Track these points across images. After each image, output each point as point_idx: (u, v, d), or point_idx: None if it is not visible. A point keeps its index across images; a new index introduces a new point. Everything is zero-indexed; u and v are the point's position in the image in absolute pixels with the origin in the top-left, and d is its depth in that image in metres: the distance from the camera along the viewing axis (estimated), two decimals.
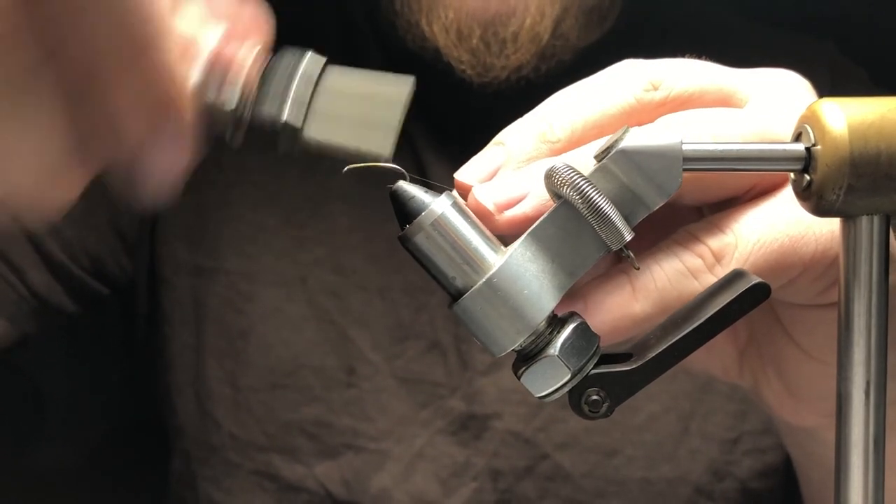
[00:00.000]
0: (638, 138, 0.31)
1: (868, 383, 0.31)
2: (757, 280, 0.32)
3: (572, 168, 0.31)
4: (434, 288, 0.32)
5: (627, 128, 0.32)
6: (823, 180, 0.30)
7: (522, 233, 0.32)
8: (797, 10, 0.79)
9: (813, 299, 0.37)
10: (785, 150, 0.31)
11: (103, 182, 0.30)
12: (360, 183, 0.65)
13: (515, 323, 0.31)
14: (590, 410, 0.32)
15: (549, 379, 0.32)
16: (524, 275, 0.31)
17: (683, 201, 0.36)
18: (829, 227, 0.35)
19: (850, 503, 0.31)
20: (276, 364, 0.66)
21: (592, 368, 0.32)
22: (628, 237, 0.31)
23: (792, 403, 0.42)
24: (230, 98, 0.28)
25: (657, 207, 0.32)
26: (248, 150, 0.69)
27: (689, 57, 0.37)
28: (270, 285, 0.66)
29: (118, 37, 0.25)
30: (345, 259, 0.66)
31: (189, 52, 0.27)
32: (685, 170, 0.31)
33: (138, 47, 0.25)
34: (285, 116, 0.28)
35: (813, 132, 0.31)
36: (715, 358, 0.43)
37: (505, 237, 0.33)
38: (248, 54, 0.28)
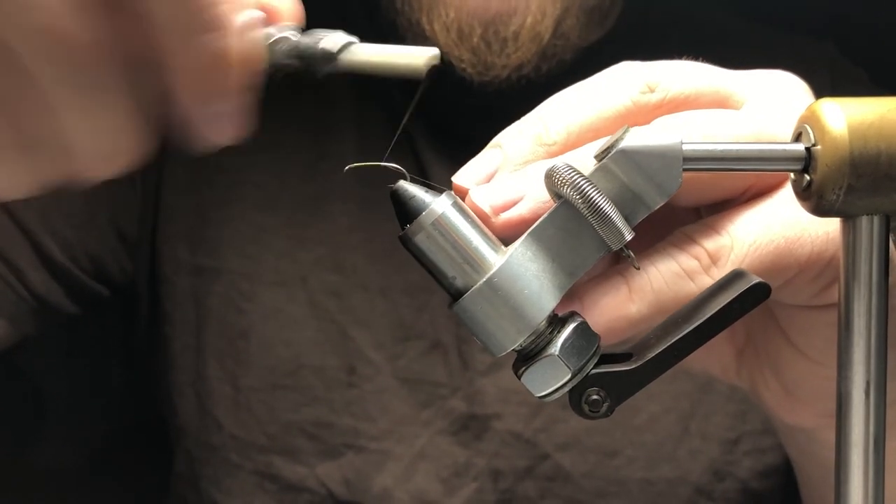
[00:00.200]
0: (638, 138, 0.31)
1: (868, 383, 0.31)
2: (757, 280, 0.32)
3: (573, 168, 0.31)
4: (435, 288, 0.33)
5: (627, 127, 0.32)
6: (823, 180, 0.30)
7: (520, 234, 0.32)
8: (797, 10, 0.79)
9: (809, 300, 0.37)
10: (785, 151, 0.31)
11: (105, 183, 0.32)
12: (361, 183, 0.65)
13: (516, 322, 0.32)
14: (590, 410, 0.32)
15: (550, 379, 0.32)
16: (524, 274, 0.31)
17: (680, 202, 0.36)
18: (825, 229, 0.35)
19: (850, 503, 0.31)
20: (276, 364, 0.66)
21: (592, 368, 0.32)
22: (628, 237, 0.31)
23: (789, 403, 0.42)
24: (282, 44, 0.32)
25: (657, 207, 0.32)
26: (248, 150, 0.69)
27: (686, 59, 0.37)
28: (271, 285, 0.66)
29: (192, 15, 0.28)
30: (345, 259, 0.66)
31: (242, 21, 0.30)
32: (685, 170, 0.31)
33: (212, 24, 0.29)
34: (333, 48, 0.32)
35: (813, 132, 0.31)
36: (714, 358, 0.43)
37: (505, 237, 0.33)
38: (289, 31, 0.32)
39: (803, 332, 0.39)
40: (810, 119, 0.31)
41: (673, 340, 0.32)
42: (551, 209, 0.32)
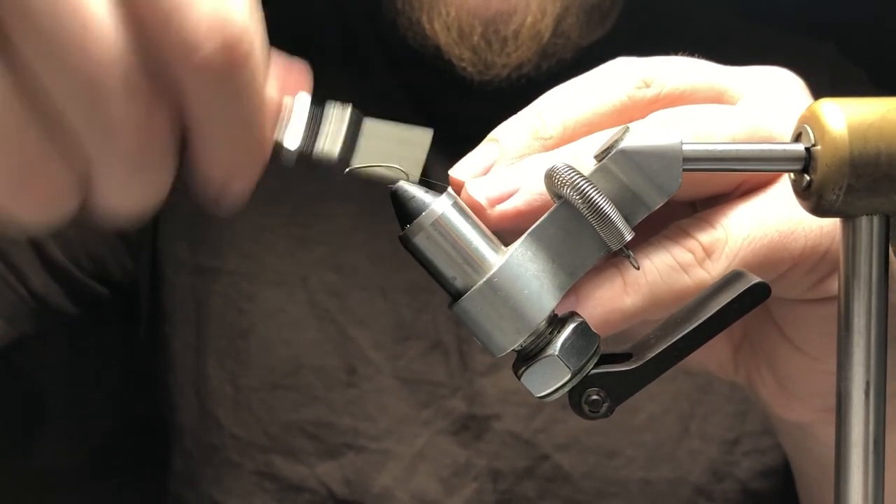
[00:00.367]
0: (638, 138, 0.31)
1: (868, 383, 0.31)
2: (757, 280, 0.32)
3: (573, 168, 0.31)
4: (435, 288, 0.33)
5: (627, 127, 0.32)
6: (823, 180, 0.30)
7: (516, 227, 0.32)
8: (797, 10, 0.79)
9: (803, 294, 0.37)
10: (785, 151, 0.31)
11: None
12: (362, 183, 0.65)
13: (515, 323, 0.32)
14: (590, 410, 0.32)
15: (549, 379, 0.32)
16: (524, 275, 0.31)
17: (675, 197, 0.36)
18: (819, 223, 0.35)
19: (849, 503, 0.31)
20: (276, 364, 0.66)
21: (592, 368, 0.32)
22: (628, 237, 0.31)
23: (784, 398, 0.42)
24: (295, 138, 0.34)
25: (657, 207, 0.32)
26: None
27: (683, 55, 0.37)
28: (271, 285, 0.67)
29: (234, 109, 0.31)
30: (346, 259, 0.66)
31: (271, 109, 0.33)
32: (685, 170, 0.31)
33: (246, 117, 0.31)
34: (338, 153, 0.35)
35: (813, 132, 0.31)
36: (711, 355, 0.43)
37: (505, 237, 0.33)
38: (304, 101, 0.34)
39: (798, 326, 0.39)
40: (810, 119, 0.31)
41: (673, 340, 0.32)
42: (551, 209, 0.32)
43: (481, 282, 0.31)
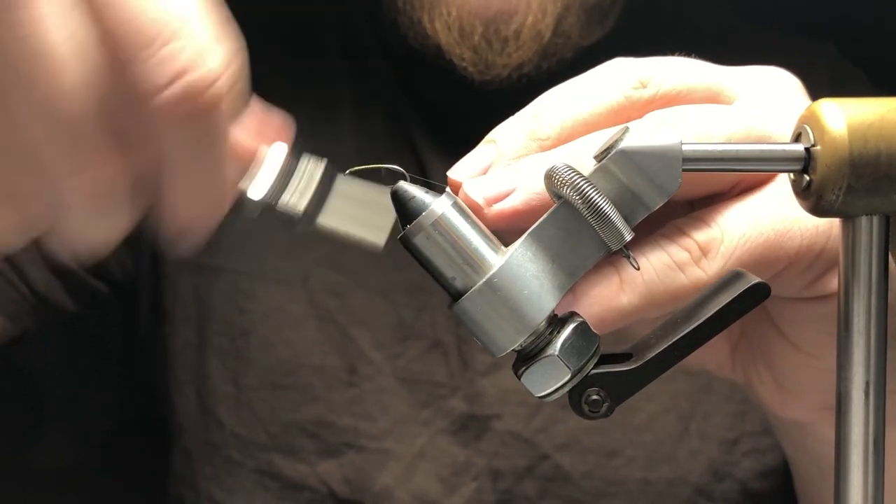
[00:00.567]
0: (638, 139, 0.31)
1: (867, 383, 0.31)
2: (756, 280, 0.32)
3: (572, 168, 0.31)
4: (435, 288, 0.33)
5: (627, 127, 0.32)
6: (823, 180, 0.30)
7: (514, 227, 0.32)
8: (797, 10, 0.79)
9: (799, 292, 0.37)
10: (784, 151, 0.31)
11: None
12: None
13: (515, 323, 0.32)
14: (590, 410, 0.32)
15: (549, 379, 0.32)
16: (524, 275, 0.32)
17: (672, 197, 0.36)
18: (815, 222, 0.35)
19: (849, 503, 0.31)
20: (277, 363, 0.66)
21: (592, 368, 0.32)
22: (628, 237, 0.31)
23: (782, 397, 0.42)
24: (260, 189, 0.34)
25: (657, 207, 0.32)
26: None
27: (681, 55, 0.37)
28: (272, 284, 0.67)
29: (194, 156, 0.31)
30: (346, 258, 0.66)
31: (240, 157, 0.33)
32: (685, 170, 0.31)
33: (206, 165, 0.31)
34: (303, 208, 0.34)
35: (812, 132, 0.31)
36: (709, 353, 0.43)
37: (505, 237, 0.33)
38: (277, 153, 0.34)
39: (794, 324, 0.39)
40: (810, 119, 0.31)
41: (673, 340, 0.32)
42: (551, 210, 0.32)
43: (481, 282, 0.31)
